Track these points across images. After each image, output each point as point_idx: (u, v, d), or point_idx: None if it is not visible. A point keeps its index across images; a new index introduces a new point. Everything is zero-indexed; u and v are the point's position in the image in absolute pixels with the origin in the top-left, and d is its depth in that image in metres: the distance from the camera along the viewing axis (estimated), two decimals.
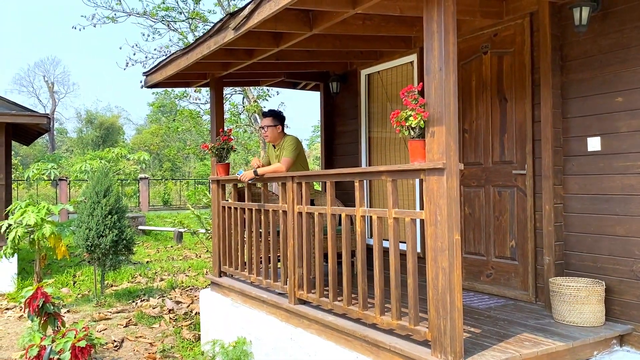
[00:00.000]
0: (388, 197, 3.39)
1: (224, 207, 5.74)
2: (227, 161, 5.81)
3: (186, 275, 9.79)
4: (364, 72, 6.07)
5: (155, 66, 5.65)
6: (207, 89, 7.88)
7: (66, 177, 17.58)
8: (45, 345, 5.10)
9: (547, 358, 3.21)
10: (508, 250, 4.59)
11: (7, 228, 7.25)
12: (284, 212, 4.53)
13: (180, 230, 15.59)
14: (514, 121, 4.53)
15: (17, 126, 10.22)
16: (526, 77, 4.38)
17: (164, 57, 5.54)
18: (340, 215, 4.03)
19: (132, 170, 24.77)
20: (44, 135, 20.39)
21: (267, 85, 7.05)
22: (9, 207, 7.48)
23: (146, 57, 19.64)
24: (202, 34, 4.90)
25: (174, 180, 30.34)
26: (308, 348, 4.03)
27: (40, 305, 5.50)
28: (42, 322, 5.60)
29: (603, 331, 3.58)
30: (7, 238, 7.15)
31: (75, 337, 5.07)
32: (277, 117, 5.46)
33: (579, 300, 3.63)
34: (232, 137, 5.77)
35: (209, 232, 8.90)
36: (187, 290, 8.43)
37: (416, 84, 5.23)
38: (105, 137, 45.89)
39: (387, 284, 3.57)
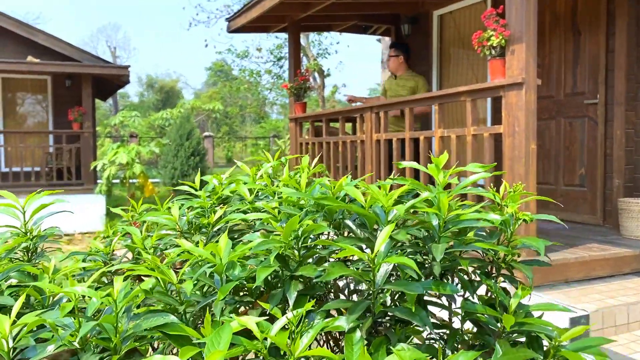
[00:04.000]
0: (467, 117, 3.69)
1: (301, 144, 6.17)
2: (304, 100, 6.22)
3: None
4: (436, 13, 6.26)
5: (240, 10, 6.07)
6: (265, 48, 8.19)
7: (136, 134, 18.63)
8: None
9: (614, 260, 3.48)
10: (577, 178, 4.80)
11: (102, 167, 8.01)
12: (362, 141, 4.90)
13: None
14: (587, 53, 4.67)
15: (99, 80, 11.00)
16: (601, 8, 4.49)
17: (248, 1, 5.93)
18: (417, 140, 4.36)
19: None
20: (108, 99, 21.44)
21: (339, 30, 7.33)
22: (103, 149, 8.23)
23: (208, 18, 20.25)
24: None
25: (232, 140, 31.30)
26: None
27: None
28: None
29: None
30: (102, 176, 7.91)
31: None
32: (400, 48, 5.65)
33: None
34: (308, 77, 6.16)
35: None
36: None
37: None
38: (165, 101, 47.38)
39: None
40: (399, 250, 1.47)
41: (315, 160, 2.80)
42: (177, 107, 12.41)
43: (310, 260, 1.49)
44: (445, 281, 1.51)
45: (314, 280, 1.38)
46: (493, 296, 1.48)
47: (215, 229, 1.79)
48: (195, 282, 1.39)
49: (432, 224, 1.45)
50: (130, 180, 8.26)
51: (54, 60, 10.60)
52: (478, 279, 1.57)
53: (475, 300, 1.47)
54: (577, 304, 3.07)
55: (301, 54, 7.27)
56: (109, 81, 11.33)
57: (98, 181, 10.79)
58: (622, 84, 4.27)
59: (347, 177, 1.76)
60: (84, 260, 1.80)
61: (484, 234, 1.61)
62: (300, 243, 1.44)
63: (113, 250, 1.86)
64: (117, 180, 8.42)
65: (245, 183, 2.00)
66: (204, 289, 1.50)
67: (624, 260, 3.54)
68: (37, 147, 10.50)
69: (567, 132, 4.90)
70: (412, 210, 1.53)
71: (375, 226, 1.48)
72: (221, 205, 1.95)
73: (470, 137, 3.68)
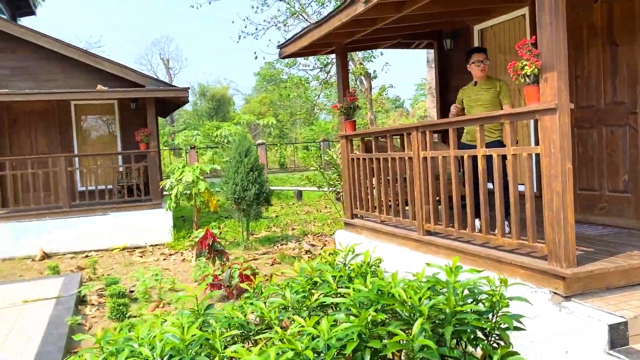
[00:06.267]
0: (507, 137, 3.99)
1: (352, 159, 6.59)
2: (353, 118, 6.63)
3: (313, 225, 10.95)
4: (476, 28, 6.52)
5: (289, 40, 6.54)
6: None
7: (194, 145, 19.58)
8: (217, 275, 6.34)
9: None
10: (621, 184, 4.98)
11: (170, 185, 8.70)
12: (409, 158, 5.27)
13: (300, 189, 16.91)
14: (625, 64, 4.84)
15: (161, 101, 11.79)
16: (636, 20, 4.66)
17: (297, 32, 6.40)
18: (461, 158, 4.68)
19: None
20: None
21: (384, 48, 7.69)
22: (169, 169, 8.93)
23: (256, 29, 20.94)
24: (332, 9, 5.63)
25: (283, 145, 32.00)
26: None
27: (210, 244, 6.76)
28: (211, 257, 6.90)
29: None
30: (171, 194, 8.60)
31: (240, 268, 6.24)
32: (486, 53, 5.21)
33: None
34: (357, 97, 6.56)
35: (332, 188, 9.86)
36: (317, 236, 9.54)
37: (529, 35, 5.62)
38: (217, 109, 48.71)
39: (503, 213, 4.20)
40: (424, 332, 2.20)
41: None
42: (234, 120, 13.05)
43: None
44: (455, 345, 2.34)
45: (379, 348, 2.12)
46: None
47: (313, 306, 2.50)
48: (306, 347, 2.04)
49: (445, 312, 2.24)
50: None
51: (120, 84, 11.48)
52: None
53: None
54: (616, 311, 3.31)
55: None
56: (170, 101, 12.12)
57: (164, 193, 11.59)
58: None
59: (396, 274, 2.48)
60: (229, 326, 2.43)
61: (483, 308, 2.39)
62: (369, 325, 2.17)
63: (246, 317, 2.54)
64: (185, 196, 9.09)
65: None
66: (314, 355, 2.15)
67: None
68: (108, 167, 11.40)
69: (608, 139, 5.08)
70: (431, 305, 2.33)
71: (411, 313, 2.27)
72: (313, 290, 2.71)
73: (510, 156, 3.98)
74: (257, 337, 2.38)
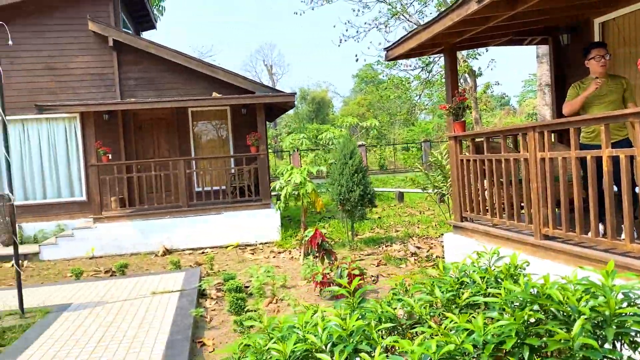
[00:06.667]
0: (636, 138, 3.75)
1: (461, 160, 6.47)
2: (462, 119, 6.51)
3: (417, 227, 10.87)
4: (597, 21, 6.15)
5: (397, 42, 6.57)
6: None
7: (298, 148, 20.14)
8: (326, 273, 6.53)
9: None
10: None
11: (279, 187, 9.07)
12: (525, 159, 5.08)
13: (401, 190, 16.82)
14: None
15: (269, 106, 12.32)
16: None
17: (404, 35, 6.41)
18: (583, 159, 4.44)
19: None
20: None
21: (494, 45, 7.47)
22: (278, 170, 9.30)
23: (357, 32, 21.13)
24: (443, 9, 5.59)
25: (382, 146, 31.96)
26: (557, 275, 4.60)
27: (319, 243, 6.97)
28: (320, 256, 7.10)
29: None
30: (280, 194, 8.97)
31: (348, 267, 6.37)
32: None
33: None
34: (466, 97, 6.44)
35: (436, 189, 9.72)
36: (422, 239, 9.46)
37: None
38: (317, 111, 49.69)
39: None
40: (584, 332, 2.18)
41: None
42: (337, 122, 13.31)
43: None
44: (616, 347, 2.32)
45: (536, 346, 2.15)
46: None
47: (462, 305, 2.58)
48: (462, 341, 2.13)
49: (605, 315, 2.21)
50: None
51: (231, 91, 12.18)
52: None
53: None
54: None
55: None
56: (276, 106, 12.63)
57: (272, 194, 12.10)
58: None
59: (548, 276, 2.45)
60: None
61: None
62: (526, 323, 2.20)
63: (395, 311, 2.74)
64: (293, 196, 9.43)
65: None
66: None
67: None
68: (222, 169, 12.12)
69: None
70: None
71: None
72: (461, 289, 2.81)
73: None
74: (410, 331, 2.52)
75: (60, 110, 10.95)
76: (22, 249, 10.22)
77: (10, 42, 6.96)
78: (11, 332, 5.61)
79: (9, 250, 10.09)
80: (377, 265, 7.86)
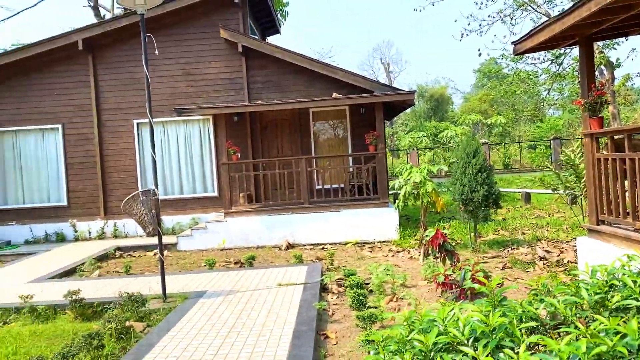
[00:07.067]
0: None
1: (598, 159, 6.02)
2: (600, 115, 6.05)
3: (546, 230, 10.26)
4: None
5: (526, 35, 6.27)
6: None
7: (415, 147, 19.95)
8: (448, 275, 6.42)
9: None
10: None
11: (398, 186, 9.07)
12: None
13: (528, 191, 15.96)
14: None
15: (387, 104, 12.33)
16: None
17: (534, 27, 6.11)
18: None
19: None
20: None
21: (636, 34, 6.82)
22: (397, 169, 9.30)
23: (480, 25, 20.36)
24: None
25: (506, 145, 30.42)
26: None
27: (441, 244, 6.88)
28: (441, 257, 7.01)
29: None
30: (399, 193, 8.96)
31: (472, 270, 6.21)
32: None
33: None
34: (605, 91, 5.97)
35: (568, 190, 9.10)
36: (552, 242, 8.92)
37: None
38: (435, 109, 48.57)
39: None
40: None
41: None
42: (459, 120, 12.98)
43: None
44: None
45: None
46: None
47: (611, 308, 2.52)
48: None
49: None
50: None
51: (350, 91, 12.39)
52: None
53: None
54: None
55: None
56: (395, 105, 12.61)
57: (390, 192, 12.12)
58: None
59: None
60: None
61: None
62: None
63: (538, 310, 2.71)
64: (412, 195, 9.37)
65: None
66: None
67: None
68: (340, 168, 12.39)
69: None
70: None
71: None
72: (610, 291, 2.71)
73: None
74: (554, 332, 2.48)
75: (196, 112, 11.89)
76: (163, 240, 11.26)
77: (156, 52, 7.71)
78: (156, 315, 6.25)
79: (152, 240, 11.19)
80: (502, 269, 7.56)
